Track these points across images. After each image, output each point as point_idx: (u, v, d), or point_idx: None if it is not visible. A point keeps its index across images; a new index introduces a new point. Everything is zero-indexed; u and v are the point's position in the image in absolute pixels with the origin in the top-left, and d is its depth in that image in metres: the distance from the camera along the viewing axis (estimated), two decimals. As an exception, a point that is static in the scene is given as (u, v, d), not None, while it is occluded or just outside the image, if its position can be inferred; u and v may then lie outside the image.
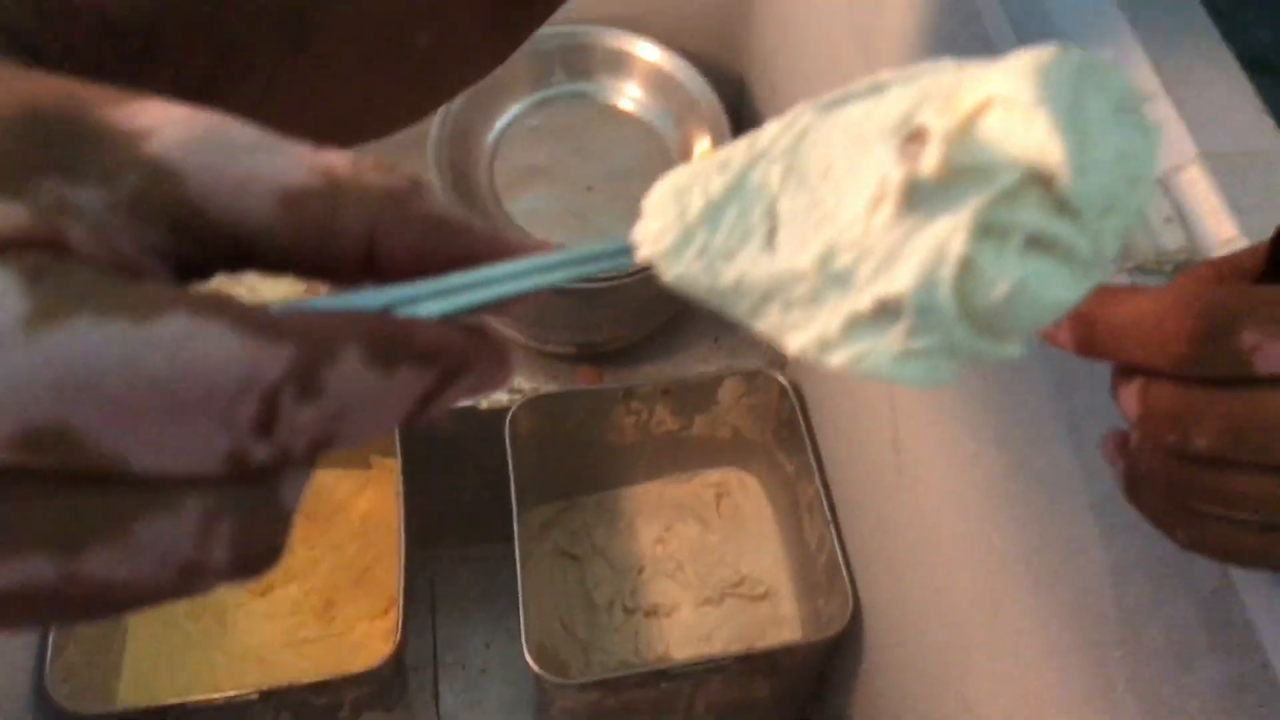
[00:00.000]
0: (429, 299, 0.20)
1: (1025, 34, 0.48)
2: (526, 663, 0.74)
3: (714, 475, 0.97)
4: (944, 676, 0.63)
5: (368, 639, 0.89)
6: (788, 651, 0.79)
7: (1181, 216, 0.41)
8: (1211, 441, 0.27)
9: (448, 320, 0.20)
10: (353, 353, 0.18)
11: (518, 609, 0.77)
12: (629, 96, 0.91)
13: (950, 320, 0.19)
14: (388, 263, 0.20)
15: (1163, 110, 0.43)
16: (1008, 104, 0.19)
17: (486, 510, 0.96)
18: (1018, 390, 0.51)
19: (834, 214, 0.20)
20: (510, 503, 0.81)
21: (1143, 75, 0.44)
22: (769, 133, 0.22)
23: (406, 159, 1.00)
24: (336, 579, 0.91)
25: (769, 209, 0.21)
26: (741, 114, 0.98)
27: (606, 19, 0.90)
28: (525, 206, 0.86)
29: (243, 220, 0.18)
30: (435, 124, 0.84)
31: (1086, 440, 0.45)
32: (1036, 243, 0.20)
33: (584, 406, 0.86)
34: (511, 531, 0.80)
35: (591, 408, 0.86)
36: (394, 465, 0.84)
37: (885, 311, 0.20)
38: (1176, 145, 0.42)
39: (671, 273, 0.21)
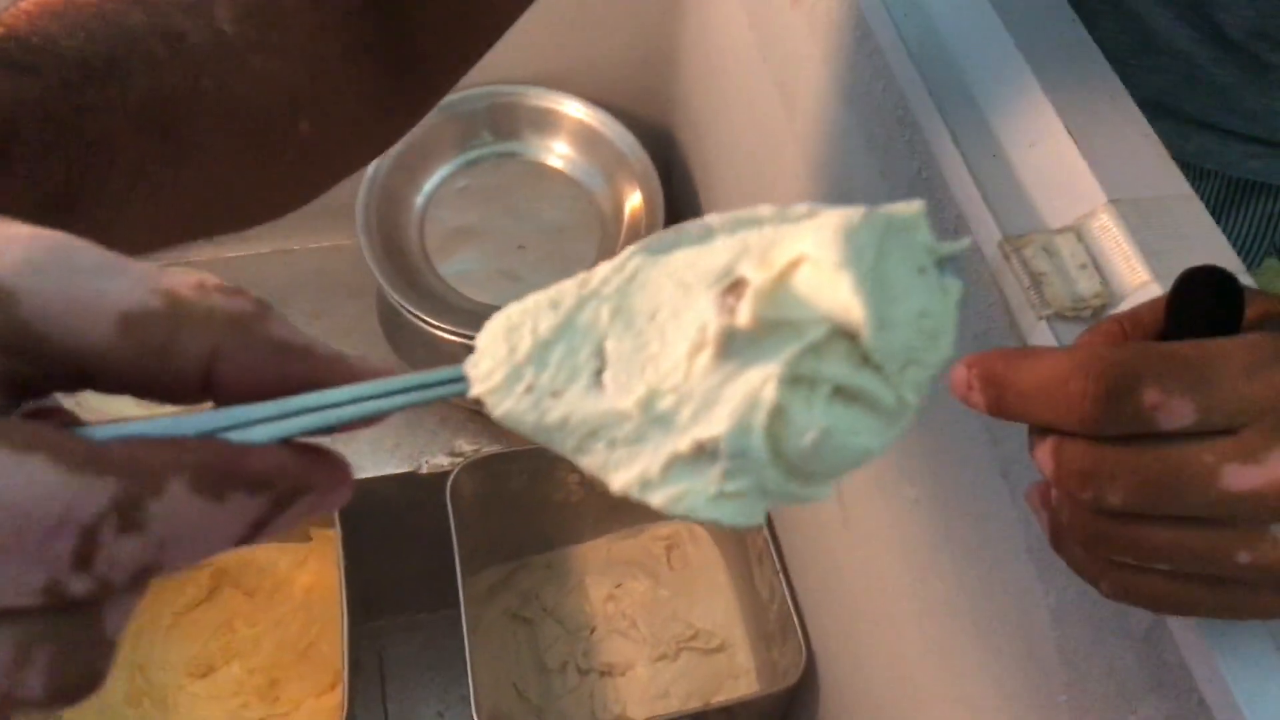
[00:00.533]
0: (267, 421, 0.20)
1: (935, 86, 0.49)
2: (478, 734, 0.72)
3: (663, 528, 0.97)
4: (899, 725, 0.63)
5: (314, 717, 0.86)
6: (744, 706, 0.78)
7: (1095, 263, 0.42)
8: (1125, 498, 0.27)
9: (285, 443, 0.20)
10: (180, 483, 0.18)
11: (466, 676, 0.75)
12: (557, 154, 0.91)
13: (762, 464, 0.21)
14: (228, 385, 0.20)
15: (1070, 158, 0.44)
16: (816, 263, 0.21)
17: (433, 576, 0.94)
18: (953, 436, 0.51)
19: (658, 357, 0.21)
20: (455, 567, 0.79)
21: (1048, 123, 0.45)
22: (600, 273, 0.23)
23: (334, 225, 0.99)
24: (280, 656, 0.88)
25: (597, 349, 0.22)
26: (671, 166, 0.99)
27: (531, 78, 0.90)
28: (457, 268, 0.85)
29: (80, 342, 0.18)
30: (362, 189, 0.84)
31: (1019, 485, 0.46)
32: (843, 393, 0.21)
33: (527, 466, 0.85)
34: (457, 597, 0.79)
35: (535, 467, 0.85)
36: (334, 536, 0.83)
37: (704, 453, 0.21)
38: (1087, 193, 0.43)
39: (499, 410, 0.22)
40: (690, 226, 0.23)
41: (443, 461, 0.88)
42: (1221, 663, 0.34)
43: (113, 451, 0.17)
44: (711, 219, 0.23)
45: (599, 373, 0.22)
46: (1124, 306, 0.40)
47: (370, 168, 0.85)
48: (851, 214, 0.21)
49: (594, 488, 0.90)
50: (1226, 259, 0.41)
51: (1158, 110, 0.45)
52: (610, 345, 0.22)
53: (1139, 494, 0.27)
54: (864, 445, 0.21)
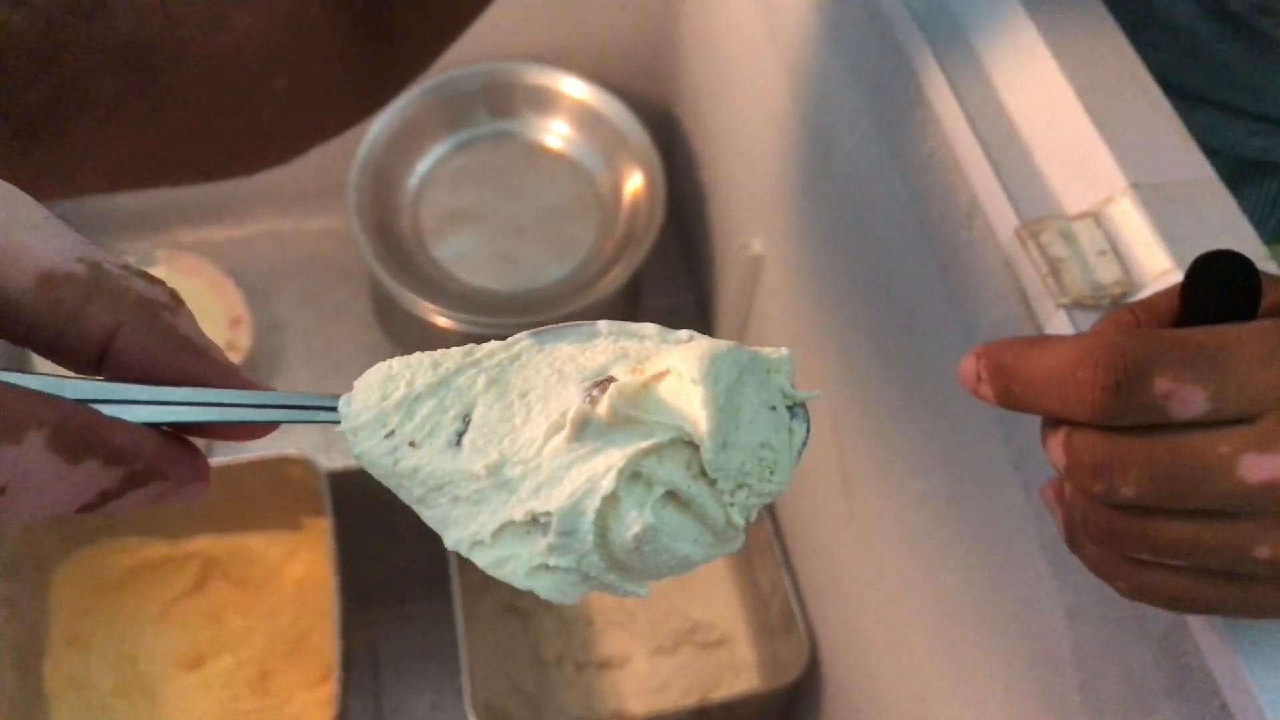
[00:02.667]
0: (145, 404, 0.21)
1: (948, 65, 0.47)
2: (473, 728, 0.71)
3: (662, 517, 0.95)
4: (903, 724, 0.62)
5: (306, 710, 0.85)
6: (745, 701, 0.77)
7: (1115, 249, 0.40)
8: (1138, 490, 0.26)
9: (154, 428, 0.21)
10: (38, 436, 0.19)
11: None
12: (556, 134, 0.89)
13: (587, 548, 0.22)
14: (123, 362, 0.21)
15: (1089, 140, 0.43)
16: (678, 376, 0.23)
17: (426, 567, 0.92)
18: (964, 430, 0.50)
19: (518, 430, 0.23)
20: (449, 558, 0.78)
21: (1066, 104, 0.44)
22: (487, 348, 0.24)
23: (326, 207, 0.97)
24: (271, 648, 0.87)
25: (464, 412, 0.24)
26: (672, 148, 0.97)
27: (528, 55, 0.88)
28: (452, 251, 0.83)
29: None
30: (354, 169, 0.82)
31: (1033, 481, 0.44)
32: (676, 499, 0.23)
33: (523, 455, 0.84)
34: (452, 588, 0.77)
35: (531, 456, 0.84)
36: (325, 525, 0.81)
37: (536, 525, 0.23)
38: (1106, 176, 0.42)
39: (357, 449, 0.23)
40: (581, 327, 0.25)
41: (437, 450, 0.86)
42: (1245, 665, 0.32)
43: None
44: (601, 325, 0.25)
45: (460, 434, 0.23)
46: (1145, 294, 0.38)
47: (362, 148, 0.83)
48: (721, 343, 0.24)
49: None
50: (1251, 246, 0.39)
51: (1161, 87, 0.44)
52: (478, 412, 0.24)
53: (1153, 486, 0.26)
54: (685, 552, 0.23)
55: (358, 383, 0.24)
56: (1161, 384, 0.26)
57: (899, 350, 0.56)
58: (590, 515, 0.22)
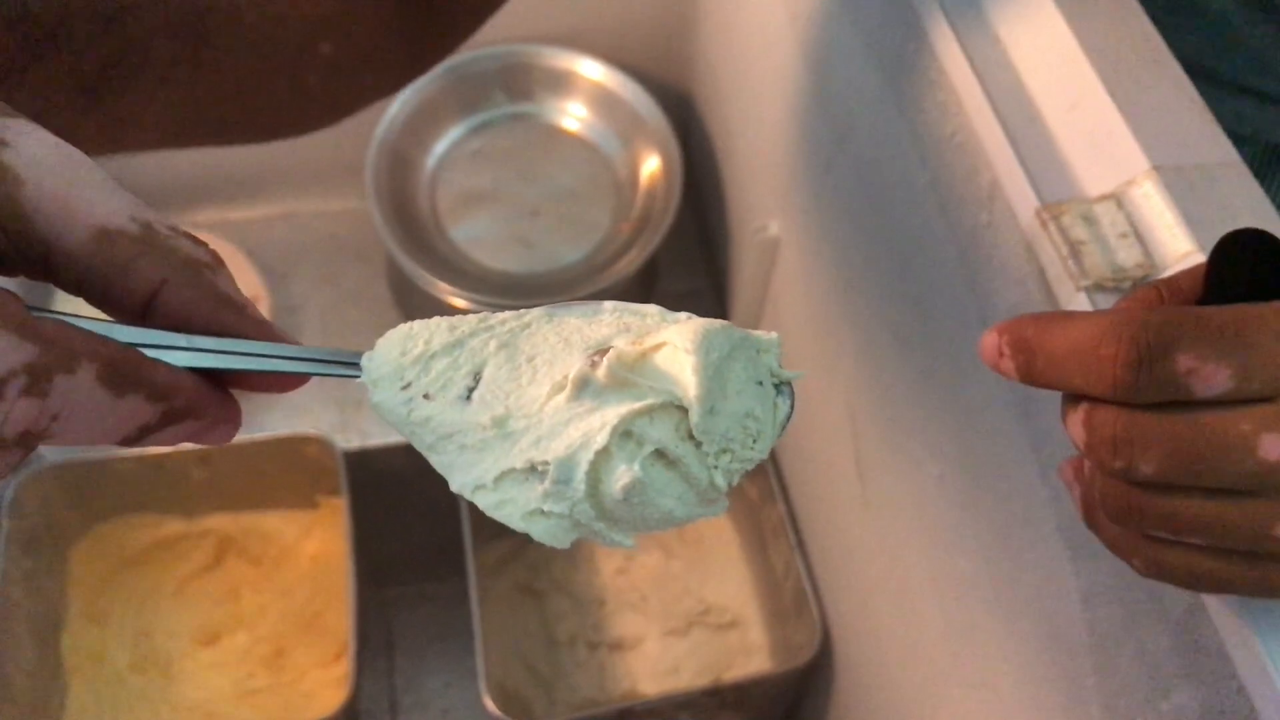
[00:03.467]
0: (182, 350, 0.23)
1: (970, 47, 0.46)
2: (485, 706, 0.71)
3: (675, 501, 0.95)
4: (917, 708, 0.62)
5: (320, 687, 0.85)
6: (757, 683, 0.77)
7: (1137, 232, 0.40)
8: (1158, 467, 0.26)
9: (193, 371, 0.23)
10: (89, 370, 0.21)
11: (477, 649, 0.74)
12: (573, 116, 0.89)
13: (579, 496, 0.24)
14: (166, 313, 0.23)
15: (1112, 122, 0.42)
16: (673, 347, 0.25)
17: (441, 547, 0.93)
18: (981, 411, 0.50)
19: (524, 389, 0.26)
20: (464, 539, 0.78)
21: (1088, 85, 0.43)
22: (500, 316, 0.27)
23: (343, 188, 0.97)
24: (285, 626, 0.88)
25: (476, 371, 0.26)
26: (689, 130, 0.97)
27: (545, 37, 0.88)
28: (469, 233, 0.83)
29: (58, 239, 0.21)
30: (371, 151, 0.82)
31: (1051, 463, 0.44)
32: (664, 458, 0.25)
33: (538, 436, 0.84)
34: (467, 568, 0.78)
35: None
36: (341, 504, 0.81)
37: (534, 473, 0.25)
38: (1128, 158, 0.41)
39: (375, 398, 0.26)
40: (589, 304, 0.27)
41: (452, 431, 0.87)
42: (1263, 647, 0.32)
43: (44, 325, 0.20)
44: (608, 304, 0.27)
45: (471, 390, 0.26)
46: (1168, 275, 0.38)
47: (379, 129, 0.83)
48: (715, 322, 0.26)
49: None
50: (1277, 229, 0.39)
51: (1191, 72, 0.43)
52: (488, 371, 0.26)
53: (1172, 463, 0.26)
54: (669, 508, 0.25)
55: (380, 340, 0.26)
56: (1185, 361, 0.26)
57: (915, 333, 0.56)
58: (584, 466, 0.24)
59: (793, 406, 0.27)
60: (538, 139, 0.88)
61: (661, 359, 0.25)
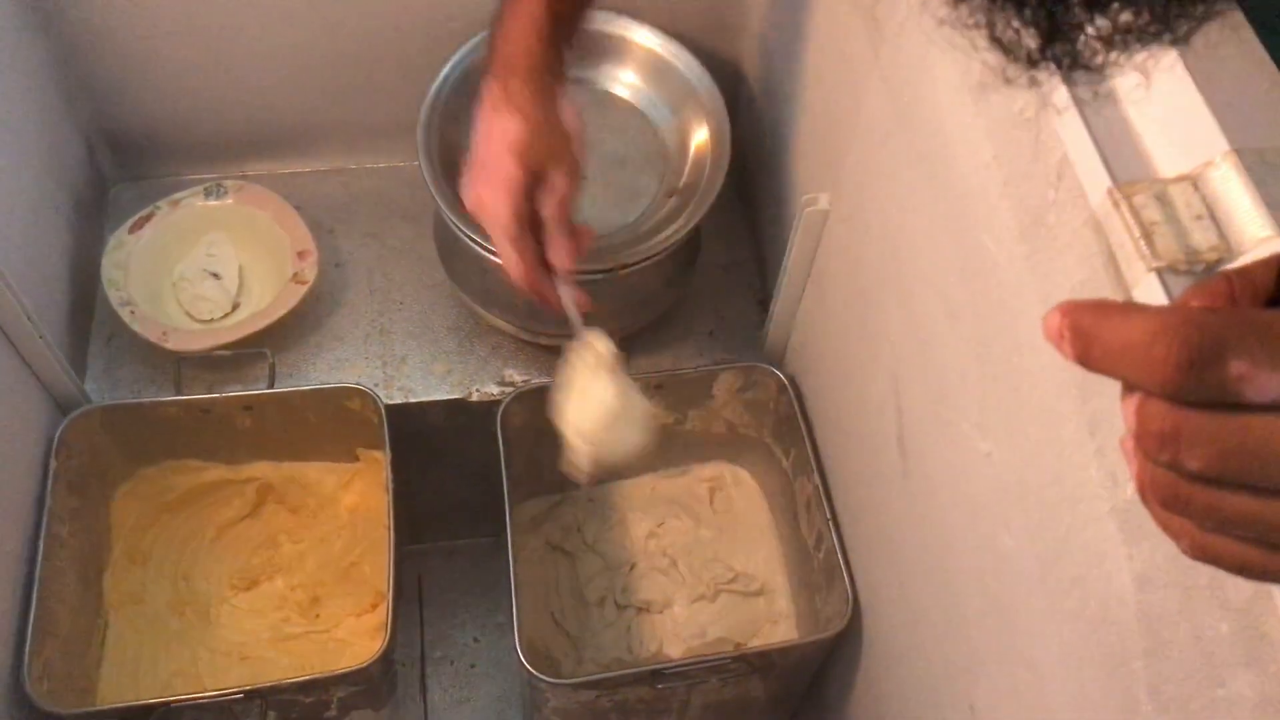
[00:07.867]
0: None
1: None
2: (518, 660, 0.72)
3: (707, 470, 0.96)
4: (951, 684, 0.62)
5: (354, 635, 0.87)
6: (783, 651, 0.77)
7: (1212, 215, 0.40)
8: (1203, 464, 0.27)
9: None
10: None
11: (506, 603, 0.75)
12: (624, 83, 0.89)
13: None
14: None
15: (1190, 101, 0.42)
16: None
17: (476, 504, 0.94)
18: (1035, 391, 0.50)
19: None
20: (502, 497, 0.79)
21: (1165, 62, 0.43)
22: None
23: (392, 146, 0.98)
24: (322, 574, 0.89)
25: None
26: (737, 101, 0.96)
27: (601, 2, 0.87)
28: (518, 194, 0.83)
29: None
30: (424, 110, 0.82)
31: (1108, 444, 0.44)
32: None
33: (577, 399, 0.84)
34: (501, 525, 0.79)
35: (585, 401, 0.85)
36: (382, 458, 0.82)
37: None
38: (1206, 139, 0.41)
39: None
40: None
41: (493, 390, 0.87)
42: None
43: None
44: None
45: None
46: (1243, 261, 0.38)
47: (433, 88, 0.83)
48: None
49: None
50: (1358, 219, 0.39)
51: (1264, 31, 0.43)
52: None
53: (1219, 462, 0.26)
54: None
55: None
56: (1237, 366, 0.26)
57: (968, 308, 0.56)
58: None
59: None
60: (589, 105, 0.87)
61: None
